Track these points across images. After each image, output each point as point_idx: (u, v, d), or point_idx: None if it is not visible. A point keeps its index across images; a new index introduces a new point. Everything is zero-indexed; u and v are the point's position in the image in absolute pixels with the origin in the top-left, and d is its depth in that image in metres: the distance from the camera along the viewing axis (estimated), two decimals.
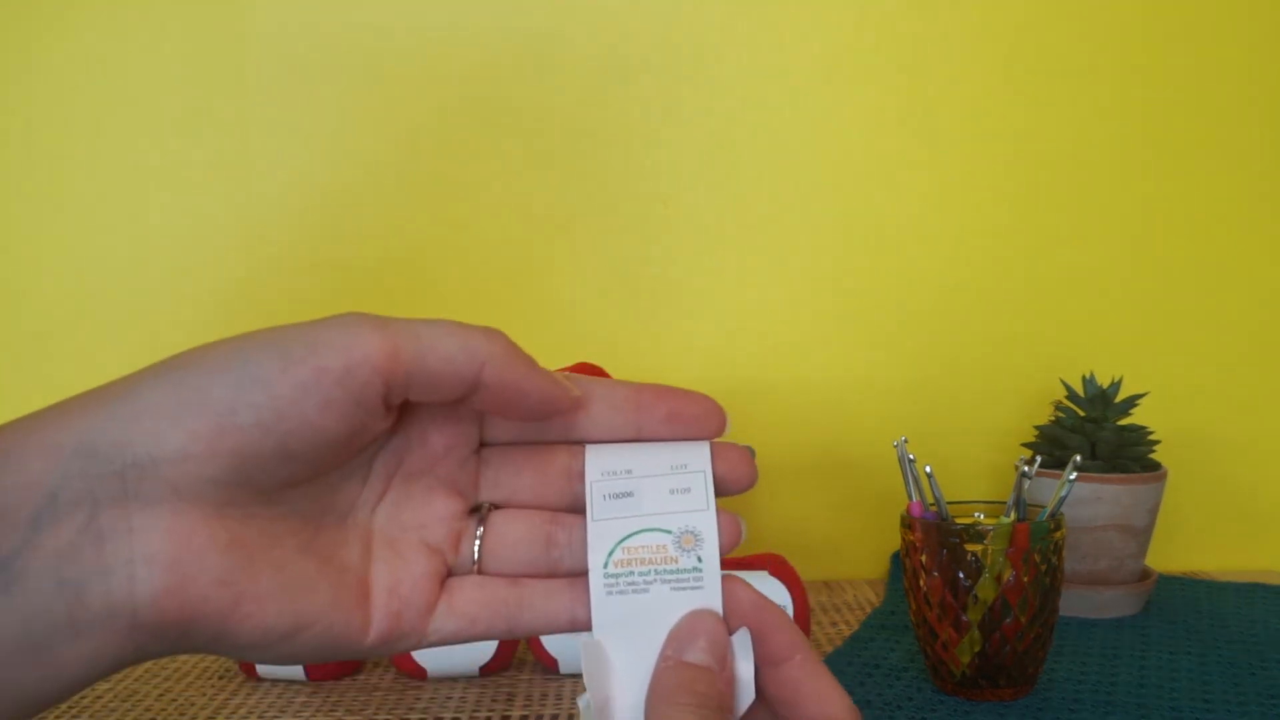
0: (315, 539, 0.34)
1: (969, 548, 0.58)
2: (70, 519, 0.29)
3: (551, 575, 0.36)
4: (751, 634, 0.34)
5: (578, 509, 0.36)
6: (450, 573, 0.36)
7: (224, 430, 0.30)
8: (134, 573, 0.30)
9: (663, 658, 0.34)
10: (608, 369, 0.73)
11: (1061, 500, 0.60)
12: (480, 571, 0.36)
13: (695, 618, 0.34)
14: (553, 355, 0.83)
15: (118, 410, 0.30)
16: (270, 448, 0.31)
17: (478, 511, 0.37)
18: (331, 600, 0.33)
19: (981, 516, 0.63)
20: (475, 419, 0.36)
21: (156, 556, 0.30)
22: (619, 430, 0.36)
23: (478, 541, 0.36)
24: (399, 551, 0.35)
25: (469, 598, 0.36)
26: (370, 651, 0.34)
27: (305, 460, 0.32)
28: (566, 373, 0.37)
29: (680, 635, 0.34)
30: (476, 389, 0.33)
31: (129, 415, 0.30)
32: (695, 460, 0.36)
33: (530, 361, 0.34)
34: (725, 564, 0.70)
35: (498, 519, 0.37)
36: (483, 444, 0.37)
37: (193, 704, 0.63)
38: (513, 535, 0.36)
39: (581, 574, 0.35)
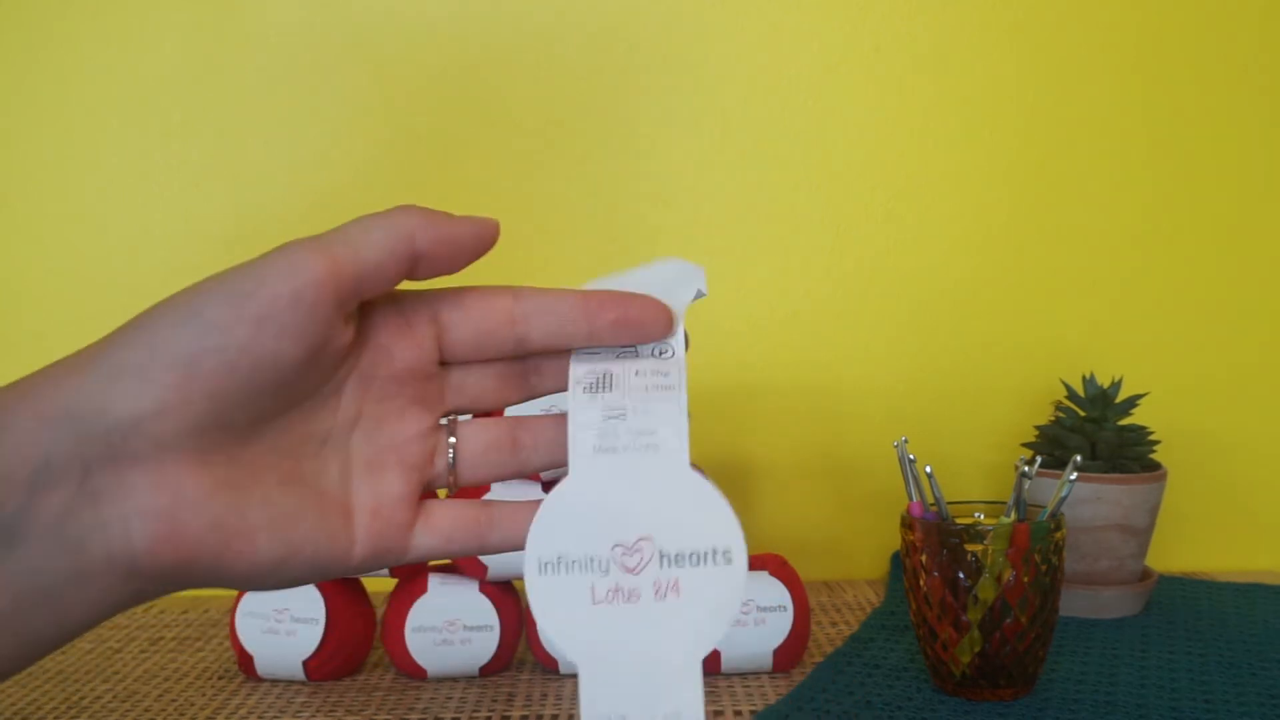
0: (296, 469, 0.36)
1: (969, 548, 0.58)
2: (65, 482, 0.32)
3: (521, 475, 0.39)
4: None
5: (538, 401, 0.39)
6: (428, 485, 0.38)
7: (193, 378, 0.32)
8: (129, 525, 0.32)
9: None
10: None
11: (1062, 500, 0.60)
12: (455, 480, 0.39)
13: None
14: None
15: (95, 375, 0.32)
16: (239, 384, 0.33)
17: (447, 423, 0.39)
18: (317, 526, 0.35)
19: (981, 517, 0.63)
20: (433, 333, 0.38)
21: (149, 509, 0.32)
22: (571, 340, 0.38)
23: (451, 453, 0.38)
24: (377, 473, 0.37)
25: (444, 515, 0.38)
26: (357, 569, 0.36)
27: (275, 390, 0.34)
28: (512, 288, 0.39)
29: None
30: (418, 258, 0.35)
31: (106, 378, 0.32)
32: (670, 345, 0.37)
33: (447, 213, 0.36)
34: None
35: (466, 431, 0.39)
36: (443, 363, 0.39)
37: (192, 704, 0.63)
38: (481, 443, 0.39)
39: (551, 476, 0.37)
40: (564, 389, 0.38)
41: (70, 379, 0.32)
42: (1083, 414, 0.77)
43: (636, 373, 0.36)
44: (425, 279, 0.36)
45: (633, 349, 0.37)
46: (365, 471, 0.37)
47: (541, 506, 0.35)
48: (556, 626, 0.34)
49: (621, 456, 0.35)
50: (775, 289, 0.88)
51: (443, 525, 0.38)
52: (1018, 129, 0.88)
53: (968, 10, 0.87)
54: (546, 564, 0.34)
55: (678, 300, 0.38)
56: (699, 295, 0.38)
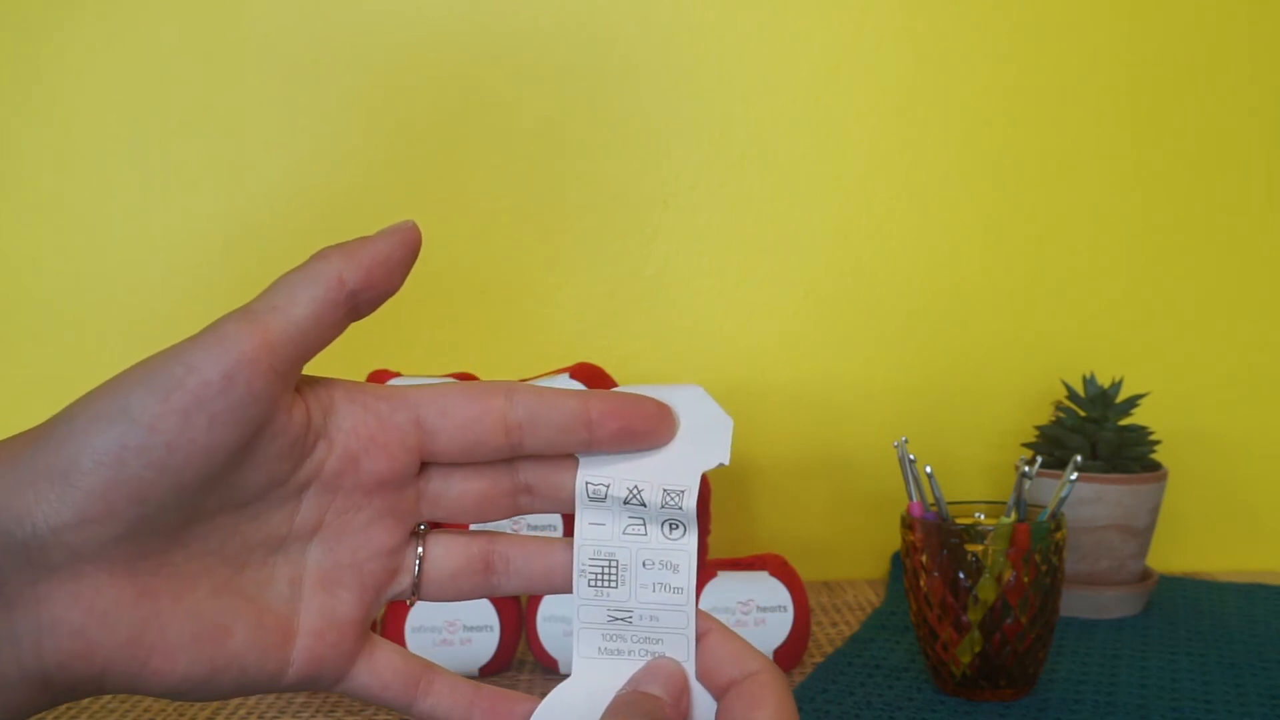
0: (235, 577, 0.33)
1: (969, 548, 0.58)
2: None
3: (485, 597, 0.37)
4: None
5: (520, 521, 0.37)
6: (386, 600, 0.36)
7: (118, 482, 0.30)
8: (41, 640, 0.30)
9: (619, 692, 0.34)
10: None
11: (1062, 500, 0.60)
12: (416, 599, 0.36)
13: (655, 663, 0.34)
14: (553, 356, 0.83)
15: (13, 479, 0.30)
16: (171, 484, 0.30)
17: (416, 535, 0.36)
18: (248, 644, 0.33)
19: (982, 517, 0.63)
20: (414, 439, 0.35)
21: (61, 625, 0.30)
22: (568, 448, 0.36)
23: (416, 569, 0.36)
24: (331, 590, 0.35)
25: (387, 663, 0.36)
26: (286, 688, 0.34)
27: (212, 485, 0.32)
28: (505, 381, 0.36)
29: (638, 676, 0.34)
30: (355, 296, 0.33)
31: (25, 482, 0.30)
32: (681, 553, 0.35)
33: (362, 238, 0.34)
34: (725, 564, 0.69)
35: (436, 550, 0.36)
36: (425, 464, 0.36)
37: (192, 704, 0.63)
38: (450, 566, 0.36)
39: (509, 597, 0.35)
40: (554, 511, 0.37)
41: None
42: (1083, 414, 0.77)
43: (644, 564, 0.34)
44: (371, 312, 0.34)
45: (640, 504, 0.35)
46: (318, 587, 0.34)
47: (542, 705, 0.34)
48: None
49: (627, 661, 0.34)
50: (775, 288, 0.88)
51: (383, 673, 0.35)
52: (1018, 129, 0.88)
53: (968, 10, 0.87)
54: None
55: (696, 463, 0.36)
56: (720, 465, 0.36)
